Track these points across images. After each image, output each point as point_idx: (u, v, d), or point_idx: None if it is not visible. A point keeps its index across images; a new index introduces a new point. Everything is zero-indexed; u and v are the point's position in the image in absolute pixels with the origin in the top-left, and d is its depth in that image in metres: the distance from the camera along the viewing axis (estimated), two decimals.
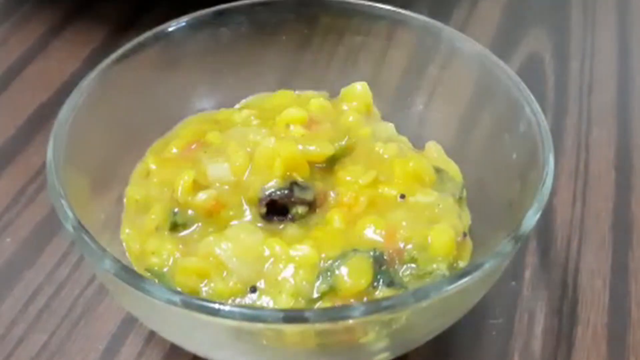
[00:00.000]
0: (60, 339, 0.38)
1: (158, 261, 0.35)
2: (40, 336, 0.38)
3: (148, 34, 0.40)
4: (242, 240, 0.34)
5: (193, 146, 0.39)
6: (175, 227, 0.36)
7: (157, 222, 0.36)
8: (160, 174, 0.38)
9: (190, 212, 0.36)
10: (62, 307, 0.39)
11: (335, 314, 0.29)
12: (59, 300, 0.40)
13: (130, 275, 0.30)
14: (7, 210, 0.44)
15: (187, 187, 0.36)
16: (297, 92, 0.43)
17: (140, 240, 0.36)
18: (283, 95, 0.43)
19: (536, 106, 0.36)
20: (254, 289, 0.33)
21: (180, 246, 0.35)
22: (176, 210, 0.36)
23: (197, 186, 0.37)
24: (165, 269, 0.35)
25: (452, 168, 0.40)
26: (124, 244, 0.37)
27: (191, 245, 0.36)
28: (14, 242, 0.42)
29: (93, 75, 0.38)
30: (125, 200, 0.38)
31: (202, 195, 0.36)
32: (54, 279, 0.41)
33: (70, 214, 0.32)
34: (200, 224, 0.36)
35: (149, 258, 0.36)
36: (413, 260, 0.35)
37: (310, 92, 0.43)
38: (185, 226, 0.36)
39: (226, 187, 0.37)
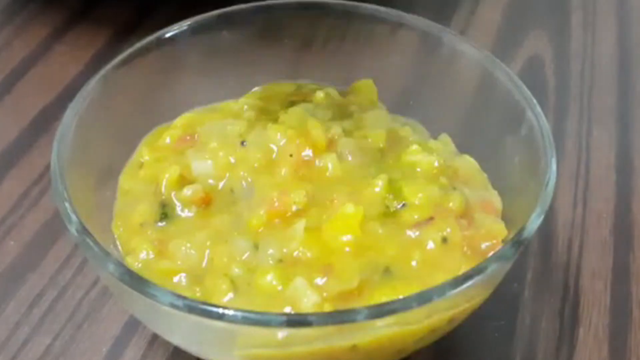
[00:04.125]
0: (63, 341, 0.38)
1: (132, 261, 0.35)
2: (44, 339, 0.38)
3: (150, 37, 0.40)
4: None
5: (187, 138, 0.39)
6: (164, 217, 0.37)
7: (141, 219, 0.37)
8: (150, 168, 0.38)
9: (177, 204, 0.37)
10: (65, 310, 0.40)
11: (338, 318, 0.29)
12: (63, 303, 0.40)
13: (133, 279, 0.30)
14: (11, 213, 0.44)
15: (172, 182, 0.37)
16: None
17: (127, 236, 0.36)
18: (283, 85, 0.43)
19: (538, 109, 0.36)
20: None
21: (156, 243, 0.35)
22: (163, 197, 0.37)
23: (184, 180, 0.37)
24: (139, 268, 0.35)
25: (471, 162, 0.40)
26: (116, 238, 0.37)
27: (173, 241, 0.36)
28: (17, 245, 0.43)
29: (96, 78, 0.38)
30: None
31: (187, 191, 0.37)
32: (57, 282, 0.41)
33: (73, 217, 0.32)
34: (192, 214, 0.36)
35: (129, 256, 0.35)
36: None
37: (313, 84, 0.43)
38: (173, 216, 0.36)
39: (211, 181, 0.37)
